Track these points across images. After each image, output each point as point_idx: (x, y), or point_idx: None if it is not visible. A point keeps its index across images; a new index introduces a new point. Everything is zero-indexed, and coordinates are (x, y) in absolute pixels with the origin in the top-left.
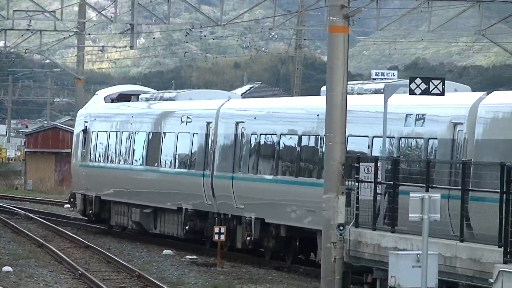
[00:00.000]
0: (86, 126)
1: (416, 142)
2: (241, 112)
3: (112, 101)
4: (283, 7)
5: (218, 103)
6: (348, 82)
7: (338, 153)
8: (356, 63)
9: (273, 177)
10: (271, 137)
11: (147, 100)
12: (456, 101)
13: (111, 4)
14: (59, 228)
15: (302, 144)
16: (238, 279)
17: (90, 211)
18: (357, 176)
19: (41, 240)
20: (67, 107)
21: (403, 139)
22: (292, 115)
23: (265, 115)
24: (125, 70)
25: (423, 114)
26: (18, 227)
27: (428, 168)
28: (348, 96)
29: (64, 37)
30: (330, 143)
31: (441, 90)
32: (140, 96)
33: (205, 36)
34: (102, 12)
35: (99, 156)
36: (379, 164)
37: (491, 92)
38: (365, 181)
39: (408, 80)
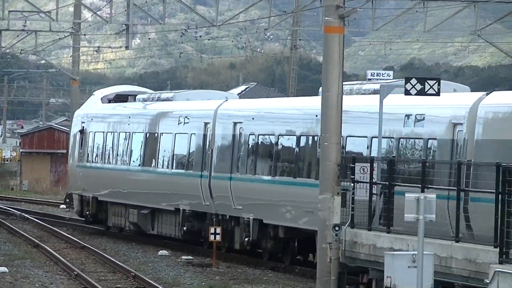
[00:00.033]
0: (83, 127)
1: (416, 142)
2: (239, 112)
3: (109, 101)
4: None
5: (216, 103)
6: (347, 83)
7: (334, 154)
8: (351, 64)
9: (271, 178)
10: (269, 137)
11: (144, 100)
12: (456, 101)
13: (107, 4)
14: (54, 228)
15: (300, 145)
16: (233, 279)
17: (87, 212)
18: (353, 176)
19: (37, 241)
20: (62, 107)
21: (402, 140)
22: (290, 116)
23: (263, 115)
24: (121, 71)
25: (423, 115)
26: (14, 227)
27: (424, 169)
28: (346, 96)
29: (59, 38)
30: (325, 143)
31: (436, 91)
32: (137, 97)
33: (200, 36)
34: (98, 12)
35: (96, 156)
36: (375, 164)
37: (491, 92)
38: (360, 182)
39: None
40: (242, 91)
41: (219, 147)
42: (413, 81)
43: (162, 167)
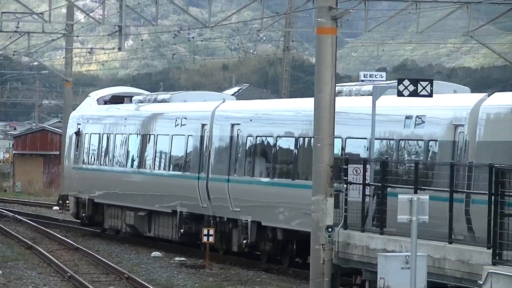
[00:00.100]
0: (79, 128)
1: (416, 144)
2: (236, 114)
3: (105, 103)
4: (271, 9)
5: (213, 105)
6: (346, 84)
7: (327, 155)
8: (344, 65)
9: (270, 180)
10: (267, 139)
11: (141, 102)
12: (457, 102)
13: (99, 6)
14: (48, 230)
15: (299, 147)
16: (227, 281)
17: (83, 214)
18: (346, 178)
19: (30, 242)
20: (55, 109)
21: (402, 141)
22: (289, 117)
23: (261, 117)
24: (114, 72)
25: (423, 116)
26: (7, 229)
27: (417, 170)
28: (346, 98)
29: (52, 39)
30: (318, 144)
31: (429, 92)
32: (133, 98)
33: (193, 38)
34: (90, 14)
35: (92, 158)
36: (367, 166)
37: (492, 94)
38: (353, 183)
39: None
40: (235, 93)
41: (217, 149)
42: (406, 82)
43: (159, 169)
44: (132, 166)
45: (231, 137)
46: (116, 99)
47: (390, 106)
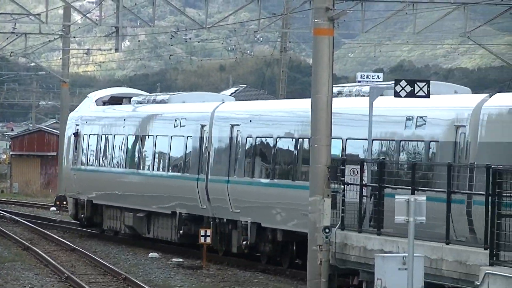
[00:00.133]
0: (78, 129)
1: (417, 145)
2: (236, 115)
3: (104, 104)
4: (268, 10)
5: (212, 105)
6: (346, 85)
7: (324, 156)
8: (341, 66)
9: (270, 181)
10: (267, 140)
11: (140, 103)
12: (458, 103)
13: (96, 7)
14: (45, 231)
15: (299, 148)
16: (224, 281)
17: (82, 215)
18: (343, 178)
19: (27, 243)
20: (52, 110)
21: (403, 142)
22: (289, 118)
23: (261, 118)
24: (111, 73)
25: (424, 117)
26: (4, 230)
27: (413, 171)
28: (346, 98)
29: (49, 40)
30: (315, 145)
31: (426, 93)
32: (132, 99)
33: (190, 39)
34: (87, 15)
35: (91, 159)
36: (365, 166)
37: (493, 94)
38: (351, 184)
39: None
40: (232, 93)
41: (216, 150)
42: (403, 83)
43: (158, 170)
44: (131, 167)
45: (231, 138)
46: (115, 100)
47: (391, 107)
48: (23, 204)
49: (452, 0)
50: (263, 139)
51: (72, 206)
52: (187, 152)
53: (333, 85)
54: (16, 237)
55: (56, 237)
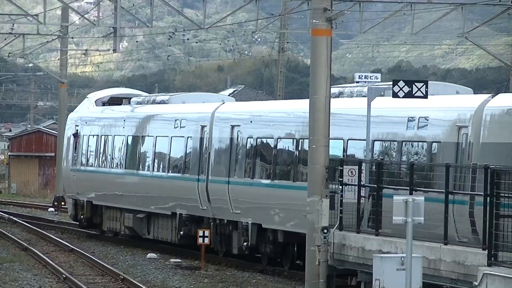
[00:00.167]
0: (77, 130)
1: (419, 145)
2: (236, 115)
3: (103, 104)
4: (266, 11)
5: (213, 106)
6: (347, 85)
7: (322, 156)
8: (339, 66)
9: (270, 182)
10: (268, 141)
11: (139, 103)
12: (460, 103)
13: (94, 7)
14: (43, 231)
15: (300, 148)
16: (222, 282)
17: (82, 216)
18: (341, 179)
19: (25, 244)
20: (50, 110)
21: (405, 143)
22: (290, 119)
23: (262, 118)
24: (109, 74)
25: (426, 117)
26: (2, 230)
27: (412, 171)
28: (347, 99)
29: (47, 41)
30: (313, 146)
31: (424, 93)
32: (131, 100)
33: (188, 39)
34: (85, 15)
35: (91, 160)
36: (363, 167)
37: (496, 95)
38: (349, 184)
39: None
40: (230, 94)
41: (217, 151)
42: (401, 83)
43: (158, 170)
44: (130, 167)
45: (231, 139)
46: (115, 101)
47: (392, 108)
48: (21, 204)
49: (450, 0)
50: (264, 140)
51: (71, 207)
52: (187, 152)
53: (334, 86)
54: (14, 238)
55: (54, 237)
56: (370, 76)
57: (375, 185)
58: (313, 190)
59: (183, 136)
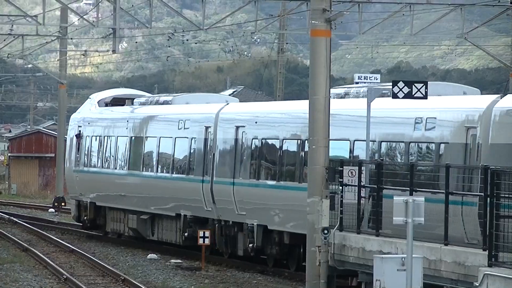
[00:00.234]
0: (80, 131)
1: (427, 146)
2: (241, 116)
3: (106, 105)
4: (265, 11)
5: (217, 107)
6: (352, 86)
7: (322, 157)
8: (338, 67)
9: (276, 183)
10: (273, 142)
11: (143, 104)
12: (469, 104)
13: (93, 8)
14: (43, 232)
15: (306, 149)
16: (223, 283)
17: (85, 217)
18: (341, 179)
19: (26, 245)
20: (50, 111)
21: (412, 144)
22: (295, 120)
23: (267, 119)
24: (108, 75)
25: (434, 118)
26: (3, 231)
27: (412, 172)
28: (353, 100)
29: (46, 42)
30: (313, 146)
31: (424, 94)
32: (134, 100)
33: (187, 40)
34: (84, 16)
35: (94, 161)
36: (363, 167)
37: (505, 95)
38: (349, 185)
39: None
40: (229, 95)
41: (221, 152)
42: (401, 84)
43: (162, 171)
44: (134, 168)
45: (236, 140)
46: (117, 101)
47: (400, 108)
48: (21, 205)
49: (449, 1)
50: (269, 141)
51: (74, 208)
52: (191, 153)
53: (339, 86)
54: (15, 239)
55: (55, 238)
56: (369, 77)
57: (375, 186)
58: (313, 191)
59: (187, 137)
